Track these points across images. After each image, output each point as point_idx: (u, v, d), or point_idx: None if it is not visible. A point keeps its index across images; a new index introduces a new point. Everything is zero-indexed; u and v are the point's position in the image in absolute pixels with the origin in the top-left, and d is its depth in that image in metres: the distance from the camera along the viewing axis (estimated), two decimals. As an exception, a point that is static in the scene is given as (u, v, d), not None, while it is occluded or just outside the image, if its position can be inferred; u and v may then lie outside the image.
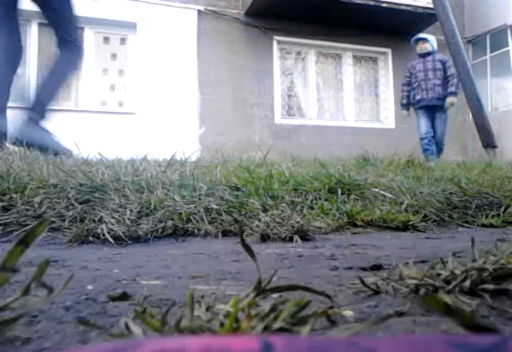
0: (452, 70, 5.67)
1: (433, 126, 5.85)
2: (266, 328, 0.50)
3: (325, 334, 0.53)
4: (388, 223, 1.94)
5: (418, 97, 5.87)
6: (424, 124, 5.85)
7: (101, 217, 1.68)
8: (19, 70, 3.25)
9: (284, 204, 1.92)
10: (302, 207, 1.97)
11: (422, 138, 5.87)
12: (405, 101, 6.10)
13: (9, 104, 3.19)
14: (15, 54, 3.28)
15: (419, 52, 5.96)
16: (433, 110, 5.81)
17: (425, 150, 5.65)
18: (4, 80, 3.19)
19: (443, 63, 5.76)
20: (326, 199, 2.11)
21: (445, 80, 5.71)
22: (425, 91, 5.75)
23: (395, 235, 1.79)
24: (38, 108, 3.20)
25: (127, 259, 1.22)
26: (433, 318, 0.61)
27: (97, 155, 2.97)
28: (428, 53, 5.87)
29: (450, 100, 5.58)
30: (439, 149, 5.87)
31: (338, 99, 9.05)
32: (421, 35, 6.15)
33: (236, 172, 2.45)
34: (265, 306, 0.54)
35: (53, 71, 3.25)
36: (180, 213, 1.77)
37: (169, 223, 1.71)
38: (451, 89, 5.62)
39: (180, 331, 0.48)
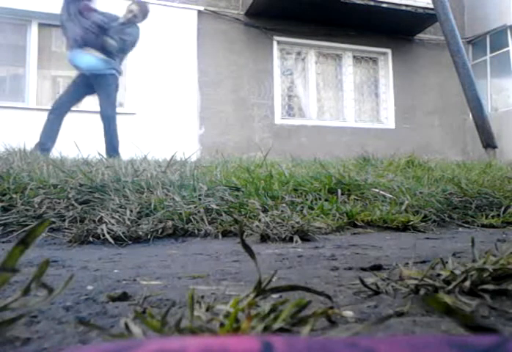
0: None
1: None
2: (266, 329, 0.50)
3: (325, 334, 0.53)
4: (388, 223, 1.94)
5: None
6: None
7: (101, 217, 1.68)
8: (19, 71, 3.32)
9: (284, 205, 1.92)
10: (302, 207, 1.97)
11: None
12: None
13: (8, 104, 3.25)
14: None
15: None
16: None
17: None
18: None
19: None
20: (326, 200, 2.10)
21: None
22: None
23: (395, 236, 1.79)
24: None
25: (127, 260, 1.22)
26: (433, 318, 0.61)
27: (97, 155, 2.97)
28: None
29: None
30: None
31: (338, 99, 9.04)
32: None
33: (236, 173, 2.45)
34: (265, 306, 0.54)
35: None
36: (180, 214, 1.77)
37: (169, 223, 1.71)
38: None
39: (180, 331, 0.48)
